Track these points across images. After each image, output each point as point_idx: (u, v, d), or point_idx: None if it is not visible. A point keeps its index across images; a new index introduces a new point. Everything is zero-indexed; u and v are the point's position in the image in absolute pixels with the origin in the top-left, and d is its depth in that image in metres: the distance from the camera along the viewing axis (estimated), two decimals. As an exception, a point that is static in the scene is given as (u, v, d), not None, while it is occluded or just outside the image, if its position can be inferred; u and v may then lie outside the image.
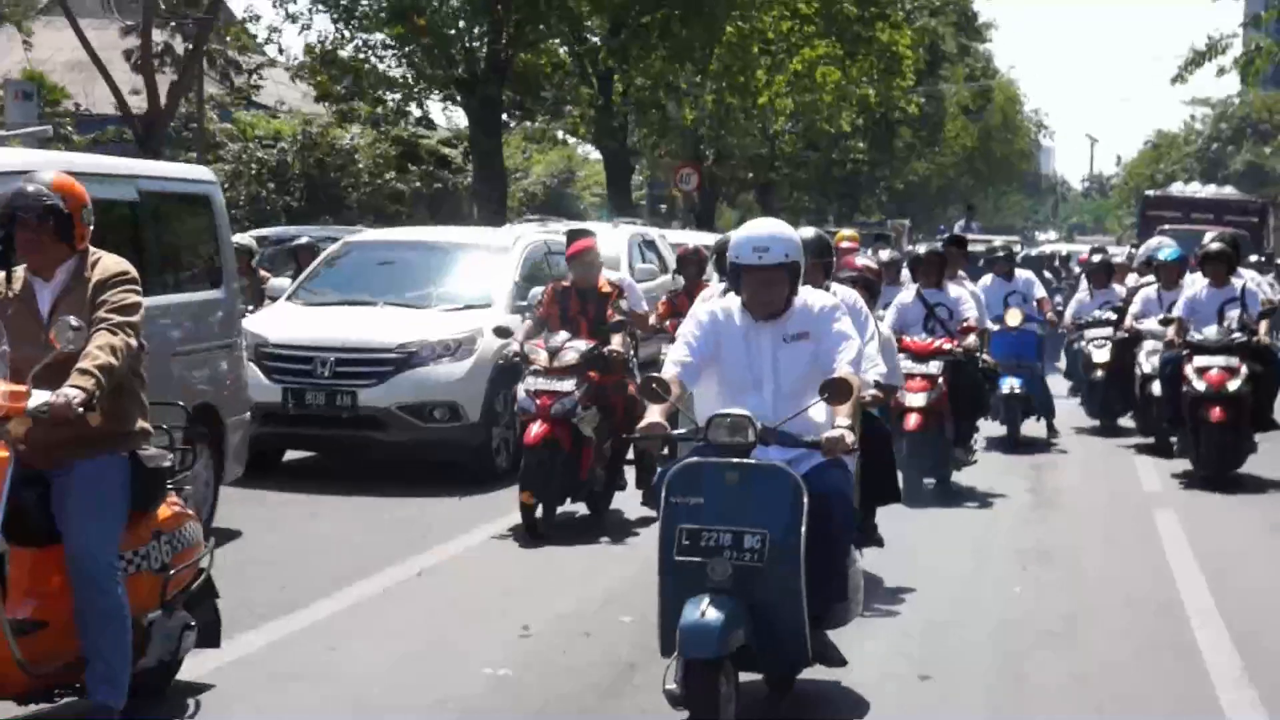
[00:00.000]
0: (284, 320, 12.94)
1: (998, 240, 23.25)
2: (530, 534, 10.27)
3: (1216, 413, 12.82)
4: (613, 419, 10.87)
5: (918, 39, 42.37)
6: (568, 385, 10.51)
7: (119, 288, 6.29)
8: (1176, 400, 13.37)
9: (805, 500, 6.23)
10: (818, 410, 6.52)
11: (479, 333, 12.34)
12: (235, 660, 7.23)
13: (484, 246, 14.15)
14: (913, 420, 11.70)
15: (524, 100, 26.52)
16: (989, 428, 14.49)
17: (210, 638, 6.89)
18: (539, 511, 10.33)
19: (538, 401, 10.47)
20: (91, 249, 6.45)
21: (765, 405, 6.55)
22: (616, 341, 10.78)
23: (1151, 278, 16.03)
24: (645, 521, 10.47)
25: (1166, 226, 25.96)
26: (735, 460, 6.32)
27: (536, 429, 10.39)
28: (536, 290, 11.66)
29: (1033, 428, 15.42)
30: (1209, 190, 37.69)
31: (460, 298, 13.03)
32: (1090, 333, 16.27)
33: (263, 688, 6.97)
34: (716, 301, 7.18)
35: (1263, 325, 13.41)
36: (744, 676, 6.34)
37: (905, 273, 14.43)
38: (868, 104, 39.87)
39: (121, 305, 6.27)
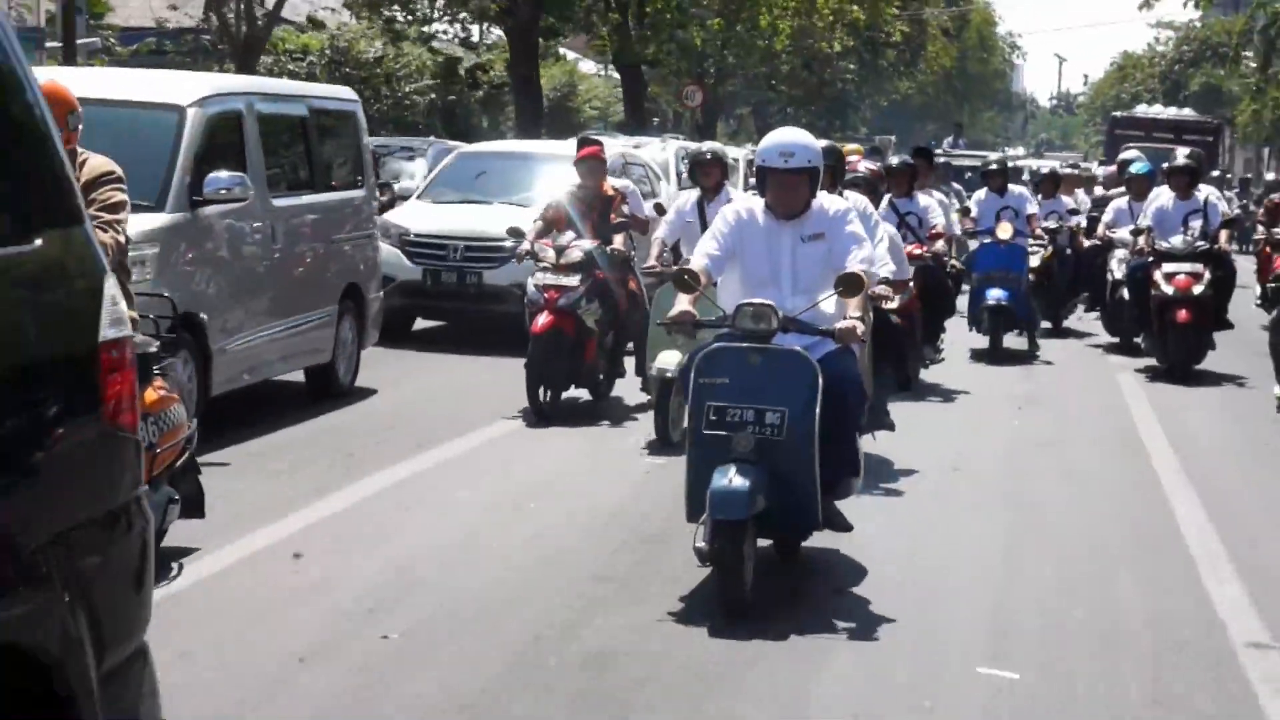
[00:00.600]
0: (421, 215, 15.69)
1: (993, 155, 23.34)
2: (538, 416, 11.19)
3: (1183, 314, 13.93)
4: (614, 312, 11.62)
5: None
6: (573, 280, 11.27)
7: (106, 186, 6.58)
8: (1145, 303, 14.42)
9: (820, 382, 6.74)
10: (831, 303, 6.96)
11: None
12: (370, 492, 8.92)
13: (558, 156, 16.86)
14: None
15: (557, 24, 28.87)
16: (971, 338, 15.32)
17: (194, 509, 7.30)
18: (546, 397, 11.33)
19: (545, 295, 11.26)
20: (79, 149, 6.72)
21: (784, 297, 7.02)
22: (618, 241, 11.51)
23: (1123, 189, 16.99)
24: (643, 407, 11.38)
25: (1131, 145, 28.15)
26: (758, 345, 6.83)
27: (543, 319, 11.17)
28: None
29: (1013, 340, 15.65)
30: (1170, 111, 40.03)
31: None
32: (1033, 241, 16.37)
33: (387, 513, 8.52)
34: (742, 201, 7.77)
35: (1223, 235, 14.43)
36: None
37: None
38: (857, 27, 42.40)
39: (109, 203, 6.58)
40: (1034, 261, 16.16)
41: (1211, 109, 56.19)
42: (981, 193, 16.03)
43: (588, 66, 52.11)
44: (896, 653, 6.29)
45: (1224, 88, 60.01)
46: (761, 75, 43.61)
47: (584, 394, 11.96)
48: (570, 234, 11.54)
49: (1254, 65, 46.00)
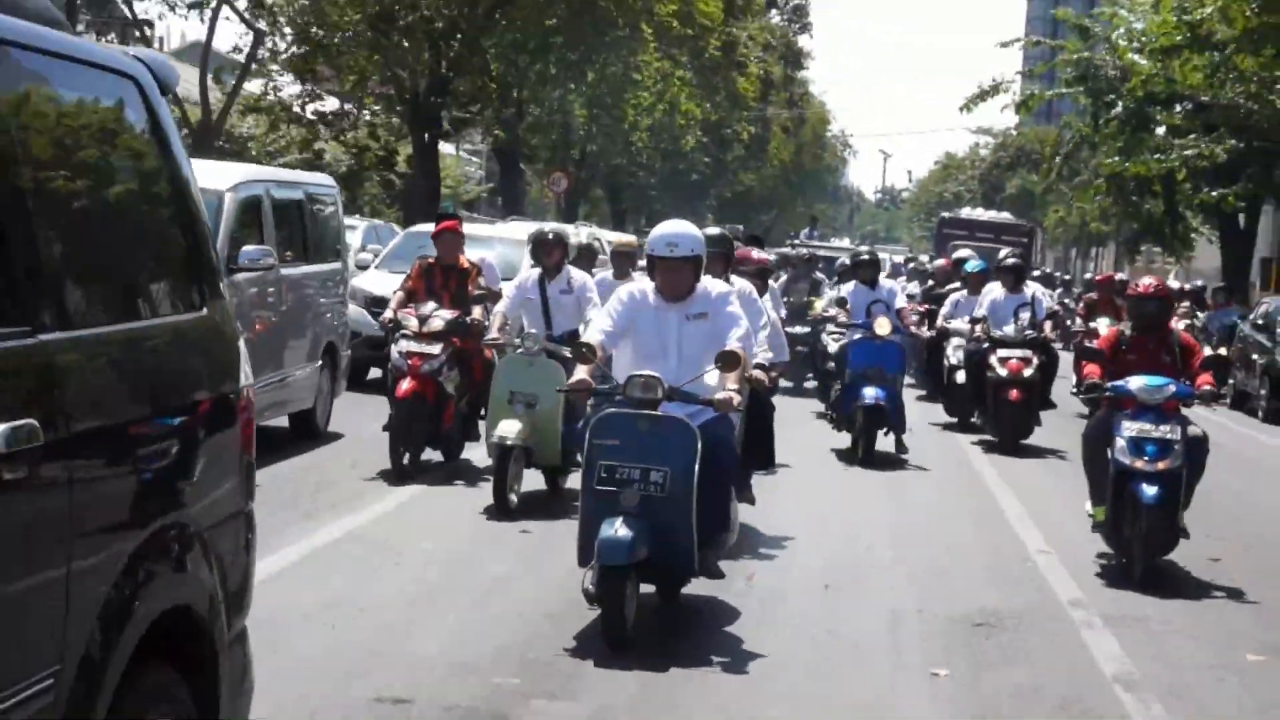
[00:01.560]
0: (379, 281, 18.06)
1: (862, 248, 23.08)
2: (397, 476, 11.66)
3: (1015, 394, 15.65)
4: (470, 379, 12.16)
5: (755, 73, 48.39)
6: (435, 349, 11.74)
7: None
8: (981, 384, 16.08)
9: (699, 446, 7.48)
10: (712, 376, 7.70)
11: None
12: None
13: (502, 238, 19.26)
14: None
15: (459, 116, 31.23)
16: (838, 439, 15.22)
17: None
18: (406, 458, 11.83)
19: (409, 361, 11.77)
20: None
21: (670, 370, 7.76)
22: (477, 312, 11.96)
23: (958, 284, 18.39)
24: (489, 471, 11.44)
25: (958, 243, 30.28)
26: (646, 412, 7.56)
27: (406, 384, 11.68)
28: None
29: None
30: (990, 214, 43.57)
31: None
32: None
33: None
34: (635, 284, 8.49)
35: (1047, 325, 16.12)
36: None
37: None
38: (710, 125, 45.69)
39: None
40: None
41: (1025, 211, 60.60)
42: (850, 285, 15.79)
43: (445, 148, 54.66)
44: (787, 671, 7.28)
45: (1035, 192, 64.43)
46: (622, 164, 46.65)
47: (438, 455, 12.55)
48: (431, 304, 12.01)
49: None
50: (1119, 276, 22.81)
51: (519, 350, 11.11)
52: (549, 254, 11.79)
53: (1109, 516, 9.90)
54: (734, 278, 9.75)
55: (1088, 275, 35.65)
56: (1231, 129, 30.18)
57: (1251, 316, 24.11)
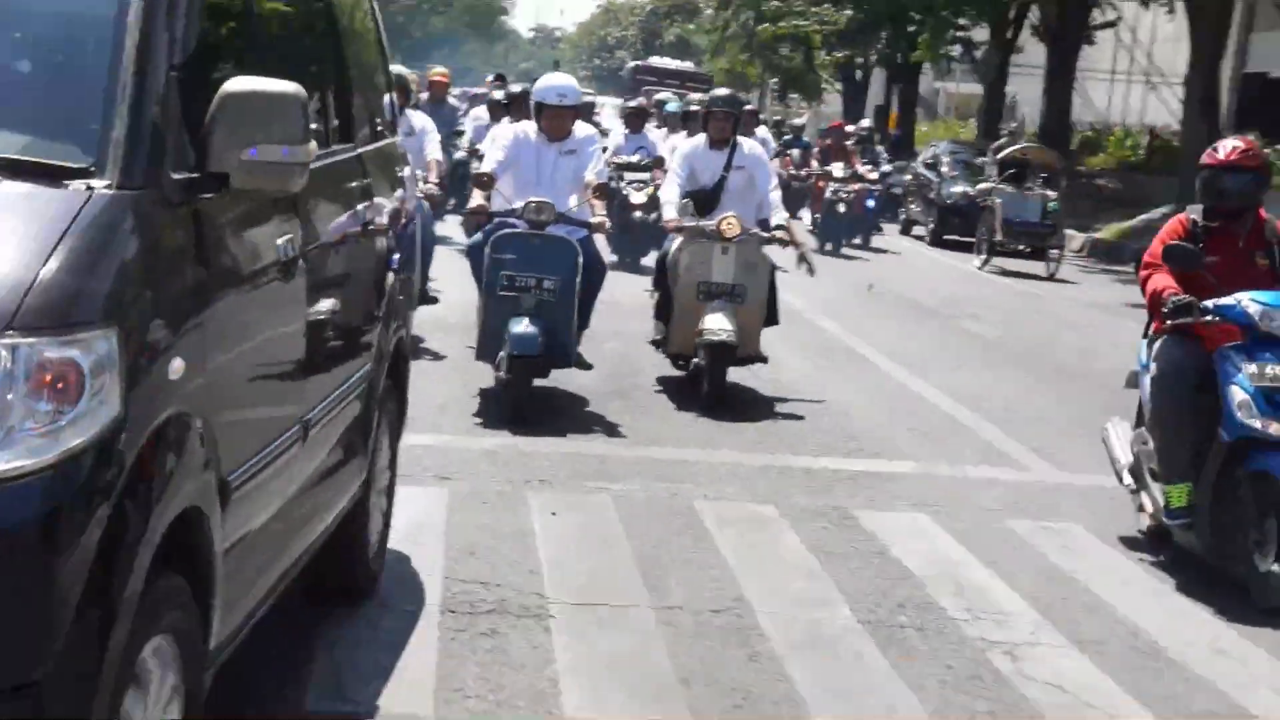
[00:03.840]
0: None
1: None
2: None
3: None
4: None
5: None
6: None
7: None
8: None
9: (580, 260, 8.83)
10: (584, 204, 8.97)
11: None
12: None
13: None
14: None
15: None
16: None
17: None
18: None
19: None
20: None
21: (543, 195, 8.97)
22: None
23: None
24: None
25: (648, 88, 34.57)
26: (539, 231, 8.83)
27: None
28: None
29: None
30: (676, 63, 50.67)
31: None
32: (628, 175, 16.38)
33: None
34: (519, 125, 9.71)
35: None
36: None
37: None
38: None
39: None
40: (640, 198, 15.94)
41: (682, 56, 68.88)
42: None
43: None
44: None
45: (691, 41, 72.38)
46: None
47: None
48: None
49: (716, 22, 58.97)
50: (849, 127, 25.75)
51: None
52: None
53: (1199, 503, 6.82)
54: (746, 139, 10.64)
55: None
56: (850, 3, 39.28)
57: (921, 158, 27.34)
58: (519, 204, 8.93)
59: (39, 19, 3.66)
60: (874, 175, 22.49)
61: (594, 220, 9.03)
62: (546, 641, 5.40)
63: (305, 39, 4.89)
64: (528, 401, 8.75)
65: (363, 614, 5.44)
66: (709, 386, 9.60)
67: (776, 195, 10.08)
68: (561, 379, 9.55)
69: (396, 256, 5.67)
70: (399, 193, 5.92)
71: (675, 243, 10.01)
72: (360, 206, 5.05)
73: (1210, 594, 6.66)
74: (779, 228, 9.75)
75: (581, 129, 9.57)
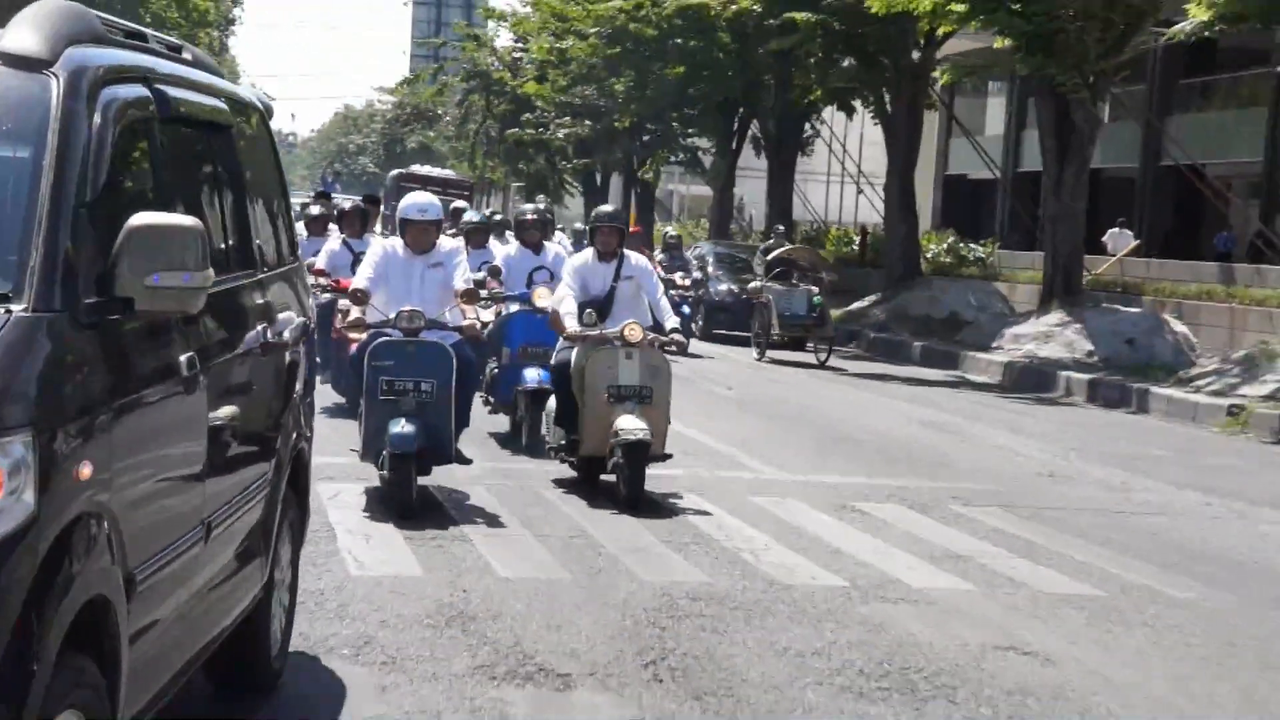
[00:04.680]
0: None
1: (527, 206, 17.95)
2: None
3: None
4: None
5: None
6: None
7: None
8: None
9: (455, 363, 9.46)
10: (454, 309, 9.69)
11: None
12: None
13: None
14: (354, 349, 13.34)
15: None
16: (496, 421, 12.95)
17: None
18: None
19: None
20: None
21: (419, 306, 9.58)
22: None
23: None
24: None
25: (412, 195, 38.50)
26: (413, 339, 9.46)
27: None
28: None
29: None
30: (438, 170, 52.48)
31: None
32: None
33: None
34: (387, 241, 10.65)
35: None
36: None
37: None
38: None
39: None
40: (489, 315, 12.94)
41: (427, 162, 71.26)
42: (512, 247, 13.58)
43: None
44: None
45: (433, 146, 74.82)
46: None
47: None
48: None
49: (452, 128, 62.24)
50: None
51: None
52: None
53: None
54: (632, 252, 11.11)
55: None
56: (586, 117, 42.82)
57: (690, 254, 27.92)
58: (392, 314, 9.61)
59: None
60: (686, 281, 23.63)
61: (464, 323, 9.71)
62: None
63: (205, 172, 5.26)
64: (412, 498, 9.27)
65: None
66: (628, 485, 9.96)
67: (665, 301, 10.83)
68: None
69: (301, 369, 6.05)
70: (302, 312, 6.26)
71: (575, 350, 10.42)
72: (261, 325, 5.40)
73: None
74: (674, 330, 10.45)
75: (445, 242, 10.38)
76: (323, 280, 13.06)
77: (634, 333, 10.12)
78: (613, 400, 10.11)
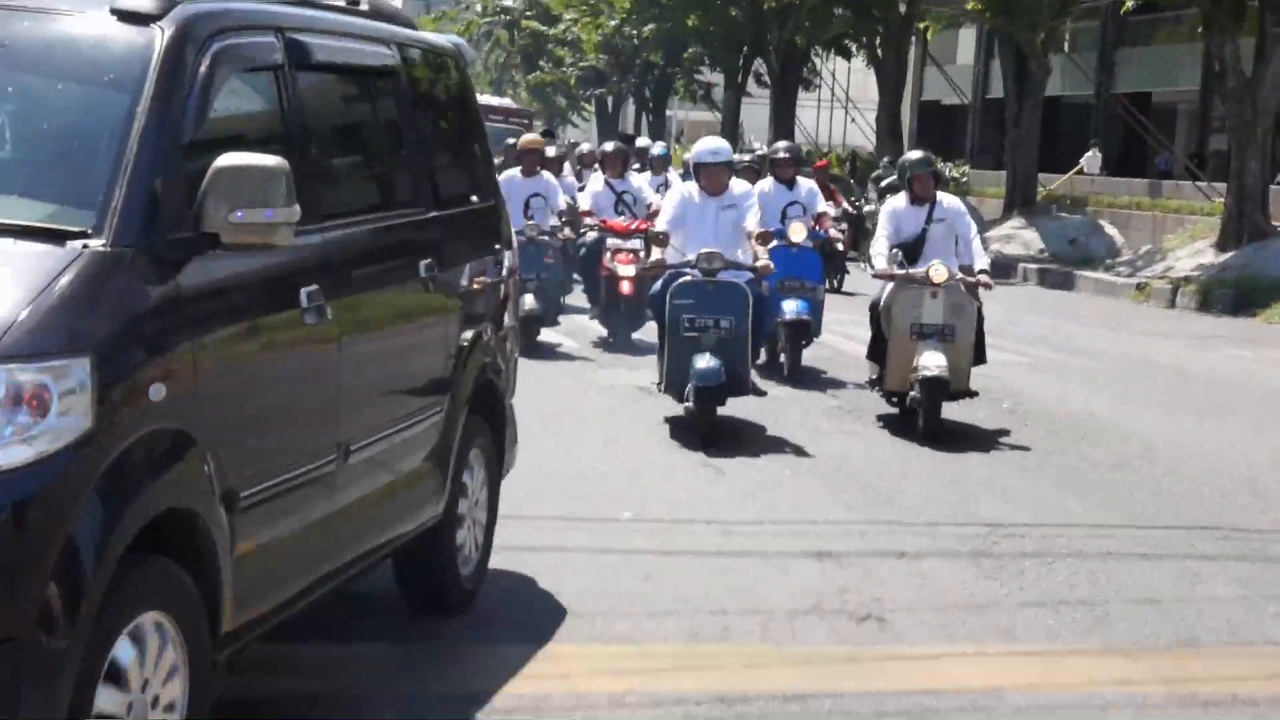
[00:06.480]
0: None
1: (781, 144, 16.51)
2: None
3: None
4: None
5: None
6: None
7: None
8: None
9: (750, 301, 9.95)
10: (746, 250, 10.11)
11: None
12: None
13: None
14: (626, 286, 13.86)
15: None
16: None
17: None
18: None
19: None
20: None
21: (710, 246, 10.05)
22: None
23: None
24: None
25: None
26: (713, 279, 9.95)
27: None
28: None
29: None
30: (497, 100, 54.99)
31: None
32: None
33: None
34: (683, 185, 11.20)
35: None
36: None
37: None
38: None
39: None
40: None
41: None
42: (767, 183, 13.71)
43: None
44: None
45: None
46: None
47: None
48: None
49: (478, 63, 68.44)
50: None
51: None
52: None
53: None
54: (945, 194, 11.20)
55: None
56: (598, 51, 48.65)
57: None
58: (691, 255, 10.13)
59: (62, 105, 4.30)
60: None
61: (759, 264, 10.10)
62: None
63: (359, 116, 5.56)
64: (713, 429, 9.86)
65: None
66: (925, 420, 10.26)
67: (978, 243, 10.85)
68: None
69: (489, 305, 6.27)
70: (496, 250, 6.45)
71: (886, 290, 10.77)
72: (426, 261, 5.55)
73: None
74: (983, 271, 10.54)
75: (737, 185, 10.76)
76: (589, 220, 14.60)
77: (939, 273, 10.35)
78: (915, 337, 10.42)
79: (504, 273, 6.51)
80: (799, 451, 9.79)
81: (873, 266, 10.78)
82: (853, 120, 47.22)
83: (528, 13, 58.41)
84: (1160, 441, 10.62)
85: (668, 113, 63.43)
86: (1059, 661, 5.95)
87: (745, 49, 42.66)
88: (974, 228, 10.97)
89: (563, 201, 14.82)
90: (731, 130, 45.18)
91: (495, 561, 6.53)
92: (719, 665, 5.71)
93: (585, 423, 10.61)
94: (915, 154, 11.46)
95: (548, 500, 7.89)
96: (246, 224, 4.11)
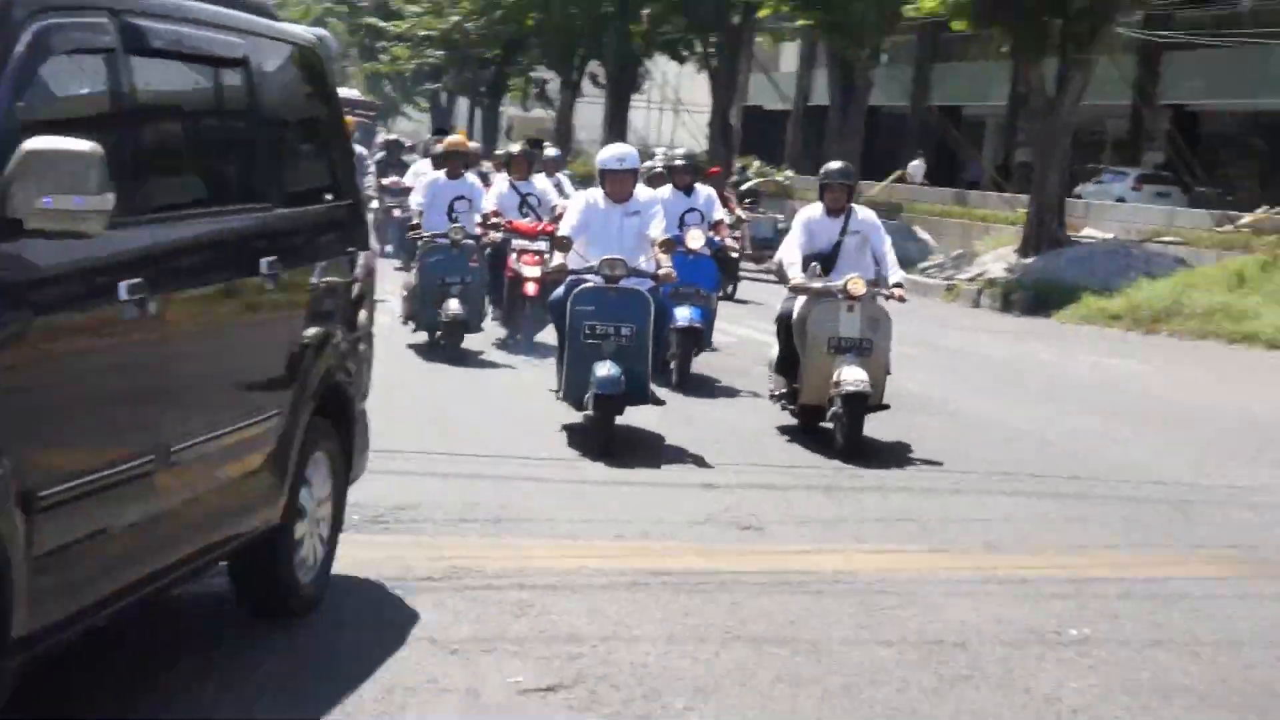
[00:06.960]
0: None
1: (678, 150, 17.32)
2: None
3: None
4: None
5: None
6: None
7: None
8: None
9: (652, 308, 9.99)
10: (649, 258, 10.24)
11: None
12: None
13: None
14: (530, 288, 14.06)
15: None
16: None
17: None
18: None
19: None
20: None
21: (614, 254, 10.08)
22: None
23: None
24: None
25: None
26: (615, 286, 9.94)
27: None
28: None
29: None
30: (344, 91, 58.10)
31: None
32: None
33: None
34: (588, 192, 10.95)
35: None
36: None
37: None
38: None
39: None
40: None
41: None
42: (665, 190, 13.83)
43: None
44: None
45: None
46: None
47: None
48: None
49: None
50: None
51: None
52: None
53: None
54: (860, 206, 11.34)
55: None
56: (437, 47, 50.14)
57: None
58: (594, 261, 10.15)
59: None
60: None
61: (660, 272, 10.20)
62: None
63: (197, 104, 5.27)
64: (612, 438, 9.86)
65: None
66: (846, 436, 10.24)
67: (893, 255, 10.85)
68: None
69: (339, 306, 6.04)
70: (349, 250, 6.26)
71: (798, 302, 10.70)
72: (266, 259, 5.33)
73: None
74: (897, 285, 10.53)
75: (642, 192, 11.04)
76: (496, 220, 14.35)
77: (857, 287, 10.35)
78: (833, 351, 10.40)
79: (358, 273, 6.32)
80: (700, 463, 9.87)
81: (784, 277, 10.72)
82: (683, 123, 49.40)
83: (363, 4, 59.51)
84: (970, 410, 13.12)
85: (500, 109, 65.16)
86: (896, 557, 7.81)
87: (581, 50, 44.51)
88: (888, 240, 10.94)
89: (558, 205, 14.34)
90: (565, 129, 47.01)
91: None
92: (644, 555, 7.46)
93: (478, 430, 10.56)
94: (835, 164, 11.27)
95: (438, 510, 8.06)
96: (54, 210, 3.92)
